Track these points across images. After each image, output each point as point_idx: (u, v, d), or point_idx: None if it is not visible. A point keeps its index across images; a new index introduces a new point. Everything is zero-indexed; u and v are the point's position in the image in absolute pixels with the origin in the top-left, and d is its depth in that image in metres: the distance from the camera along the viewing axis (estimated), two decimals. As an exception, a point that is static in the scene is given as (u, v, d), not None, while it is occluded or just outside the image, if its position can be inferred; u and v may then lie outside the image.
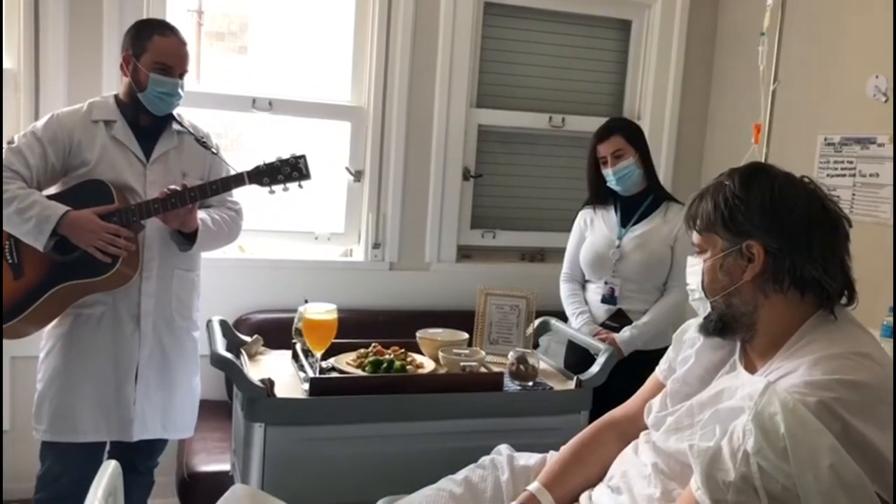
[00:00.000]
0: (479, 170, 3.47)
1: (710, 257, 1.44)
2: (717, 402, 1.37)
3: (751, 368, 1.42)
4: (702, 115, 3.70)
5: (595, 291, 2.70)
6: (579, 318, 2.68)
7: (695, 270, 1.50)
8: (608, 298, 2.64)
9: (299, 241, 3.35)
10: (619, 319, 2.64)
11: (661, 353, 2.61)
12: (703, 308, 1.50)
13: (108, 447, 2.38)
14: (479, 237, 3.53)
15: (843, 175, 2.91)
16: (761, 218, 1.36)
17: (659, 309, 2.60)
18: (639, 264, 2.61)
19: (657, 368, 1.70)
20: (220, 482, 2.43)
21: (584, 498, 1.59)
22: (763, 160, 2.45)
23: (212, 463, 2.61)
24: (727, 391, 1.39)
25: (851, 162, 2.89)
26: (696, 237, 1.49)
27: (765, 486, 1.17)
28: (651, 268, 2.61)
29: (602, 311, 2.66)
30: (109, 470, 1.43)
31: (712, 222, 1.42)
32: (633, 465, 1.52)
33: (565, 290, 2.79)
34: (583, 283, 2.79)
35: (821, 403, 1.19)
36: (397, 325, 3.17)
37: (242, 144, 3.35)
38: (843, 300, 1.38)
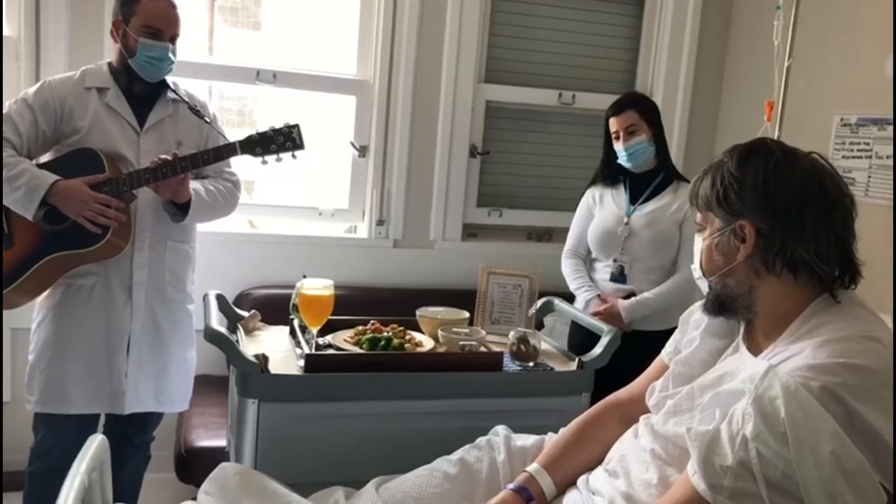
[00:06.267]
0: (487, 147, 3.41)
1: (707, 236, 1.41)
2: (719, 384, 1.32)
3: (755, 350, 1.36)
4: (715, 92, 3.62)
5: (603, 270, 2.64)
6: (586, 293, 2.62)
7: (697, 249, 1.46)
8: (617, 276, 2.58)
9: (303, 216, 3.31)
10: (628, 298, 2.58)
11: (664, 334, 2.58)
12: (704, 287, 1.45)
13: (102, 420, 2.36)
14: (486, 215, 3.48)
15: (860, 157, 2.83)
16: (753, 197, 1.31)
17: (666, 286, 2.55)
18: (647, 242, 2.55)
19: (663, 350, 1.65)
20: (218, 458, 2.38)
21: (581, 481, 1.55)
22: (777, 137, 2.38)
23: (210, 438, 2.59)
24: (728, 374, 1.34)
25: (868, 143, 2.81)
26: (698, 216, 1.45)
27: (763, 472, 1.12)
28: (660, 246, 2.55)
29: (610, 290, 2.61)
30: (95, 444, 1.39)
31: (709, 201, 1.38)
32: (632, 448, 1.47)
33: (568, 265, 2.74)
34: (588, 262, 2.74)
35: (824, 388, 1.14)
36: (400, 303, 3.11)
37: (247, 119, 3.31)
38: (845, 282, 1.33)
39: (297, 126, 2.16)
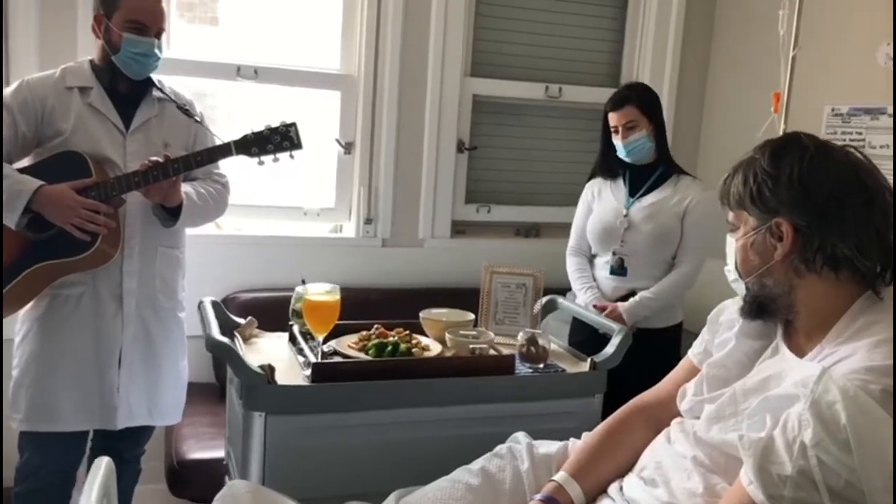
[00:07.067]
0: (474, 142, 3.34)
1: (741, 235, 1.36)
2: (764, 388, 1.27)
3: (797, 351, 1.32)
4: (701, 83, 3.60)
5: (602, 266, 2.60)
6: (588, 293, 2.58)
7: (731, 250, 1.41)
8: (617, 269, 2.54)
9: (287, 217, 3.21)
10: (627, 299, 2.53)
11: (668, 331, 2.58)
12: (739, 289, 1.41)
13: (90, 435, 2.25)
14: (474, 212, 3.42)
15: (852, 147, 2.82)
16: (788, 193, 1.27)
17: (666, 282, 2.51)
18: (648, 236, 2.51)
19: (690, 351, 1.60)
20: (213, 470, 2.32)
21: (613, 489, 1.49)
22: (781, 130, 2.36)
23: (203, 450, 2.49)
24: (774, 377, 1.29)
25: (860, 133, 2.80)
26: (730, 215, 1.40)
27: (825, 480, 1.07)
28: (660, 240, 2.52)
29: (610, 288, 2.57)
30: (103, 468, 1.30)
31: (742, 199, 1.34)
32: (668, 455, 1.42)
33: (572, 263, 2.69)
34: (590, 259, 2.69)
35: (885, 391, 1.10)
36: (390, 304, 3.06)
37: (219, 116, 3.17)
38: (886, 278, 1.29)
39: (294, 125, 2.08)
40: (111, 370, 2.11)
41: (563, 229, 3.36)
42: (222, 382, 2.98)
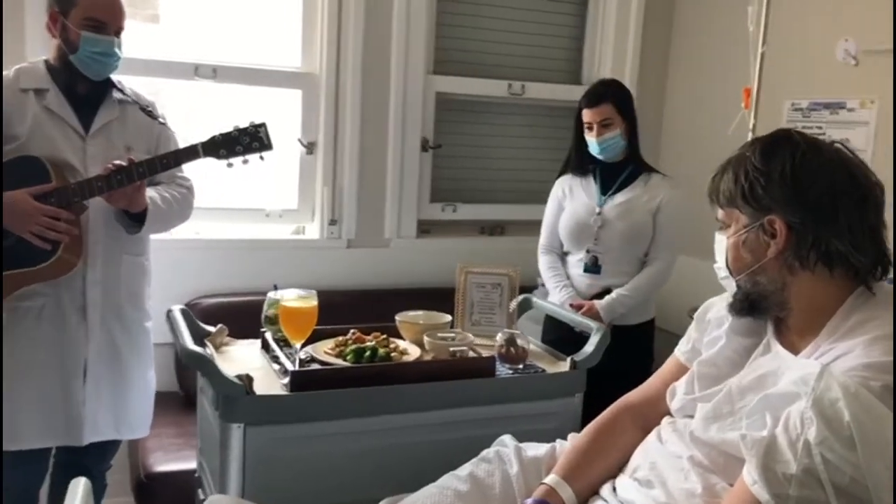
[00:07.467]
0: (438, 140, 3.31)
1: (732, 233, 1.35)
2: (761, 386, 1.27)
3: (790, 348, 1.32)
4: (661, 80, 3.63)
5: (576, 265, 2.59)
6: (562, 292, 2.57)
7: (720, 248, 1.41)
8: (591, 267, 2.53)
9: (248, 219, 3.14)
10: (602, 297, 2.53)
11: (641, 327, 2.59)
12: (729, 286, 1.40)
13: (53, 451, 2.16)
14: (440, 211, 3.39)
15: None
16: (782, 191, 1.27)
17: (641, 279, 2.52)
18: (622, 233, 2.51)
19: (677, 349, 1.59)
20: (183, 482, 2.25)
21: (605, 490, 1.48)
22: (752, 125, 2.38)
23: (171, 462, 2.42)
24: (770, 375, 1.29)
25: (821, 127, 2.85)
26: (720, 212, 1.40)
27: (831, 478, 1.07)
28: (634, 238, 2.52)
29: (584, 286, 2.56)
30: (81, 488, 1.24)
31: (733, 196, 1.33)
32: (662, 455, 1.41)
33: (544, 262, 2.68)
34: (561, 256, 2.68)
35: (886, 388, 1.10)
36: (357, 306, 3.01)
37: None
38: (878, 273, 1.30)
39: (263, 125, 2.02)
40: (76, 384, 2.03)
41: (528, 227, 3.37)
42: (186, 391, 2.90)
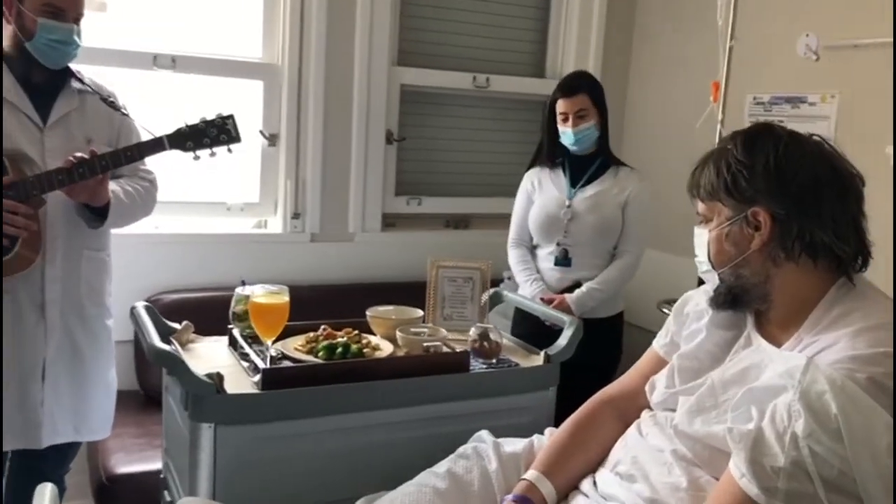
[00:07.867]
0: (402, 133, 3.27)
1: (715, 227, 1.35)
2: (744, 379, 1.27)
3: (772, 341, 1.32)
4: (623, 74, 3.64)
5: (546, 258, 2.59)
6: (533, 285, 2.56)
7: (701, 241, 1.41)
8: (561, 260, 2.53)
9: (209, 213, 3.06)
10: (573, 290, 2.53)
11: (610, 320, 2.60)
12: (711, 280, 1.41)
13: (9, 455, 2.08)
14: (405, 204, 3.35)
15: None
16: (765, 182, 1.27)
17: (611, 272, 2.52)
18: (592, 226, 2.51)
19: (655, 343, 1.59)
20: (146, 484, 2.19)
21: (585, 484, 1.47)
22: (721, 119, 2.40)
23: (133, 463, 2.35)
24: (753, 368, 1.29)
25: (782, 121, 2.86)
26: (700, 206, 1.40)
27: (819, 471, 1.07)
28: (604, 231, 2.52)
29: (554, 279, 2.56)
30: (48, 495, 1.19)
31: (715, 190, 1.33)
32: (644, 449, 1.40)
33: (514, 256, 2.66)
34: (531, 249, 2.67)
35: (871, 380, 1.11)
36: (322, 301, 2.94)
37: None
38: (858, 264, 1.32)
39: (231, 117, 1.96)
40: (34, 384, 1.95)
41: (493, 220, 3.37)
42: (147, 390, 2.82)
